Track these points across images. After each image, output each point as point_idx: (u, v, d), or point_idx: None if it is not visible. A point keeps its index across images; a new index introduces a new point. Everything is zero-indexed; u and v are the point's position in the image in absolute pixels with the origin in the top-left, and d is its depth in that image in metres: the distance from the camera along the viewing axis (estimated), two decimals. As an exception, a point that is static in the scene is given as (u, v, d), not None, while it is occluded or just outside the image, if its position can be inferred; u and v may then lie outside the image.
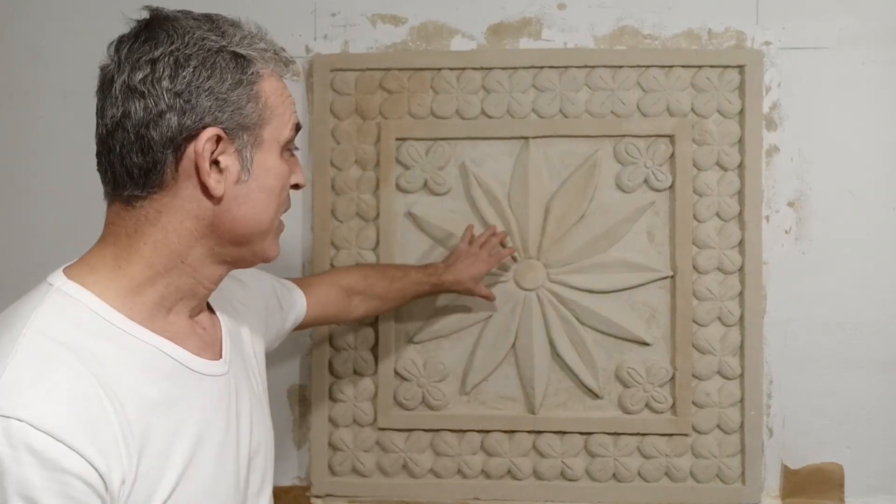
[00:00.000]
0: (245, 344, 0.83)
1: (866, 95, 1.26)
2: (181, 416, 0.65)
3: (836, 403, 1.27)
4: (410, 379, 1.30)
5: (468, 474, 1.30)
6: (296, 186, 0.74)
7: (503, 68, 1.28)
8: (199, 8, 1.34)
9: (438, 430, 1.30)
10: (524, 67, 1.28)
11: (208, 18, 0.67)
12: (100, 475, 0.54)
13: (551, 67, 1.28)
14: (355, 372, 1.31)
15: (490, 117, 1.28)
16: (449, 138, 1.29)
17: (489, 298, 1.25)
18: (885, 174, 1.27)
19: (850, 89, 1.26)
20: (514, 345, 1.29)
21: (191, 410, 0.66)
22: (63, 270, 0.66)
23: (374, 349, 1.30)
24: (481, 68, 1.28)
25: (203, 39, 0.64)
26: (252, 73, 0.66)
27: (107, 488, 0.55)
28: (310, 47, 1.32)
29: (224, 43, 0.65)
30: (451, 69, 1.29)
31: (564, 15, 1.30)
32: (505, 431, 1.29)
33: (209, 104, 0.64)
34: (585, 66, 1.27)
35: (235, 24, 0.69)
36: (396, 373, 1.31)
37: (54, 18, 1.34)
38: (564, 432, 1.29)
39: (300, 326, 1.05)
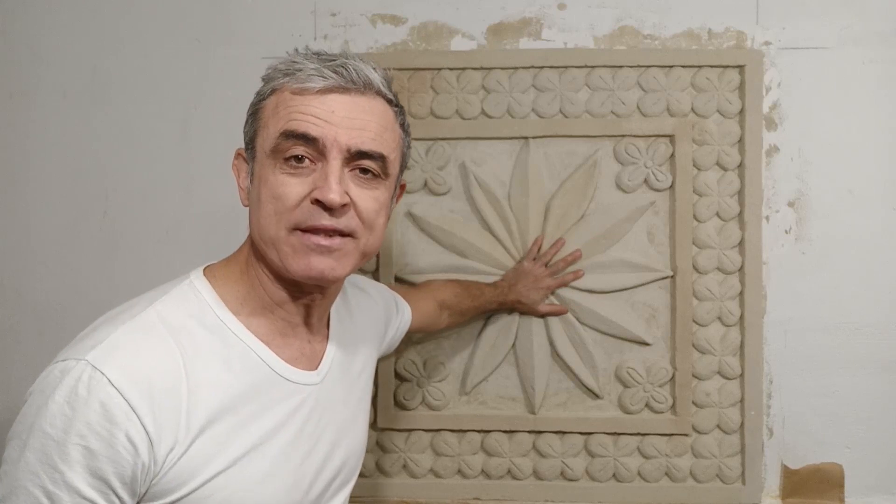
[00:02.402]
0: (354, 355, 0.88)
1: (866, 95, 1.26)
2: (253, 412, 0.71)
3: (836, 403, 1.27)
4: (410, 379, 1.30)
5: (468, 474, 1.30)
6: (317, 202, 0.69)
7: (503, 68, 1.28)
8: (194, 8, 1.35)
9: (438, 430, 1.30)
10: (524, 67, 1.28)
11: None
12: (147, 436, 0.63)
13: (551, 67, 1.28)
14: (355, 372, 1.31)
15: (490, 117, 1.28)
16: (449, 138, 1.29)
17: (560, 313, 1.26)
18: (885, 174, 1.27)
19: (850, 89, 1.26)
20: (514, 345, 1.29)
21: (265, 409, 0.72)
22: (204, 267, 0.77)
23: (374, 349, 1.30)
24: (481, 68, 1.28)
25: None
26: (261, 94, 0.75)
27: (151, 447, 0.63)
28: (310, 47, 1.31)
29: (266, 73, 0.75)
30: (451, 69, 1.29)
31: (564, 15, 1.30)
32: (505, 431, 1.29)
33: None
34: (585, 66, 1.27)
35: (309, 51, 0.76)
36: (396, 373, 1.31)
37: (54, 18, 1.34)
38: (564, 432, 1.29)
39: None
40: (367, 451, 1.29)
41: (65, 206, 1.34)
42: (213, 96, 1.32)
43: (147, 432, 0.63)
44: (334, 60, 0.72)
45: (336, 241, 0.71)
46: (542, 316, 1.27)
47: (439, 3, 1.30)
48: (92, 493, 0.61)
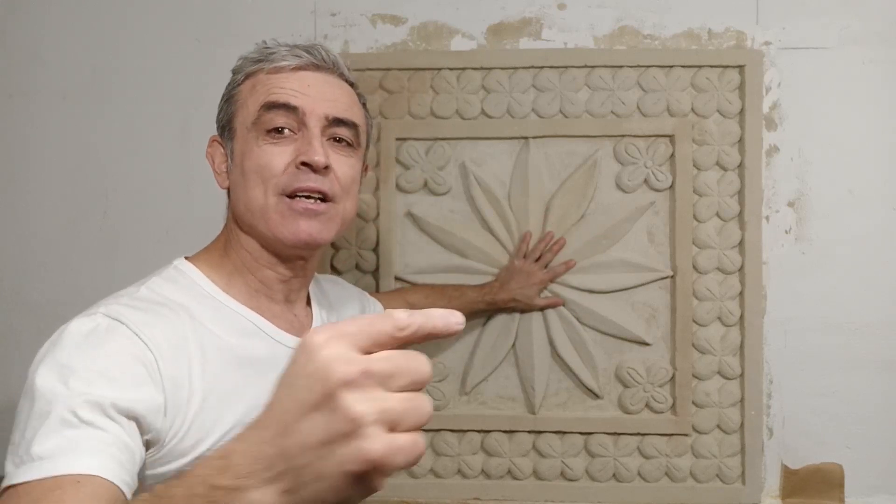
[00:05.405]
0: None
1: (866, 95, 1.26)
2: (254, 372, 0.74)
3: (836, 403, 1.27)
4: (410, 379, 1.30)
5: (468, 474, 1.30)
6: (305, 164, 0.74)
7: (503, 68, 1.28)
8: (199, 9, 1.35)
9: (438, 430, 1.30)
10: (524, 67, 1.28)
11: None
12: (164, 382, 0.65)
13: (551, 67, 1.28)
14: (355, 372, 1.31)
15: (490, 117, 1.28)
16: (449, 138, 1.29)
17: (557, 305, 1.26)
18: (885, 174, 1.27)
19: (850, 89, 1.26)
20: (514, 345, 1.29)
21: (264, 371, 0.73)
22: (186, 256, 0.81)
23: (374, 349, 1.30)
24: (481, 68, 1.28)
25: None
26: (233, 82, 0.81)
27: (175, 391, 0.66)
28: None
29: (237, 65, 0.82)
30: (451, 69, 1.29)
31: (564, 15, 1.30)
32: (505, 431, 1.29)
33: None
34: (585, 66, 1.27)
35: (269, 43, 0.82)
36: (396, 373, 1.30)
37: (54, 18, 1.34)
38: (564, 432, 1.29)
39: None
40: (367, 451, 1.30)
41: (65, 206, 1.34)
42: (213, 96, 1.31)
43: (163, 377, 0.65)
44: (303, 44, 0.80)
45: (321, 206, 0.76)
46: (541, 309, 1.27)
47: (439, 3, 1.30)
48: (119, 419, 0.60)
